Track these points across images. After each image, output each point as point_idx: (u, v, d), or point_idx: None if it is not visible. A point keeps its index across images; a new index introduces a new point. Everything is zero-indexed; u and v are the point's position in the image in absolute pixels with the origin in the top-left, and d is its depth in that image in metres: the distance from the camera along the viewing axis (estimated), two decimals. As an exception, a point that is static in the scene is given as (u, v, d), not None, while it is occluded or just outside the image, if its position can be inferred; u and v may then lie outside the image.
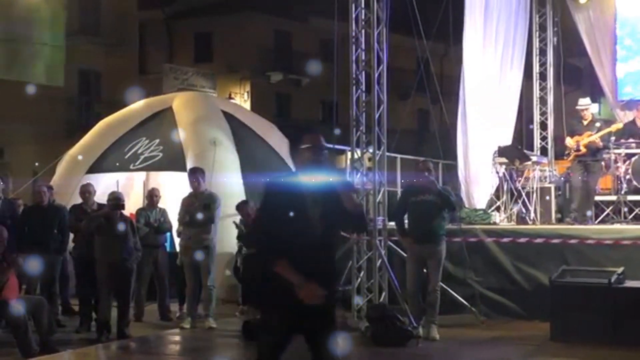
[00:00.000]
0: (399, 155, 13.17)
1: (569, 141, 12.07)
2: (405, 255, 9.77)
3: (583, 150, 11.80)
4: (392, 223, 9.90)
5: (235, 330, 9.65)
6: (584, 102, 12.27)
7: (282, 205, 4.76)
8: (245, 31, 29.52)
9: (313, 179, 4.86)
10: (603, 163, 12.14)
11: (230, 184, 12.84)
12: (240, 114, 15.67)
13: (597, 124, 12.02)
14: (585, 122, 12.05)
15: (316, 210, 4.80)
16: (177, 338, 9.80)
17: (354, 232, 8.52)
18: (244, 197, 12.67)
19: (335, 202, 4.82)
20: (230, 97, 26.36)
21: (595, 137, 11.78)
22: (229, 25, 29.66)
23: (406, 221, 9.41)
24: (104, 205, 10.13)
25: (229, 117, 14.63)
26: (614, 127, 11.97)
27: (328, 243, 4.89)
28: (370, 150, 10.62)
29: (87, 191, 10.60)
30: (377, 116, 10.54)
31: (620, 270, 8.93)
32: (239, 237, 11.40)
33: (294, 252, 4.68)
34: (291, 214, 4.72)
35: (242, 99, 29.22)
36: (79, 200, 10.77)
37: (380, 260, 10.12)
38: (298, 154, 5.04)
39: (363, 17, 10.71)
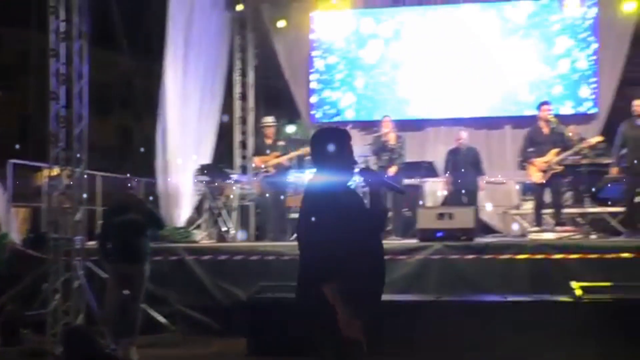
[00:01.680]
0: (99, 173, 12.88)
1: (257, 160, 12.21)
2: (105, 275, 9.55)
3: (271, 170, 11.98)
4: (93, 242, 9.63)
5: None
6: (267, 120, 12.39)
7: (353, 213, 4.21)
8: None
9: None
10: (292, 182, 12.65)
11: None
12: None
13: (281, 143, 12.25)
14: (269, 141, 12.18)
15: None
16: None
17: None
18: None
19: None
20: None
21: (283, 159, 12.04)
22: None
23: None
24: None
25: None
26: (304, 150, 12.20)
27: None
28: (69, 168, 10.28)
29: None
30: (77, 132, 10.24)
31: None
32: None
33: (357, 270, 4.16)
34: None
35: None
36: None
37: (78, 282, 9.82)
38: (344, 156, 4.42)
39: (63, 29, 10.37)
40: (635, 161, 11.09)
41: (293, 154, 12.14)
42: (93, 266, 10.14)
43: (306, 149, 12.33)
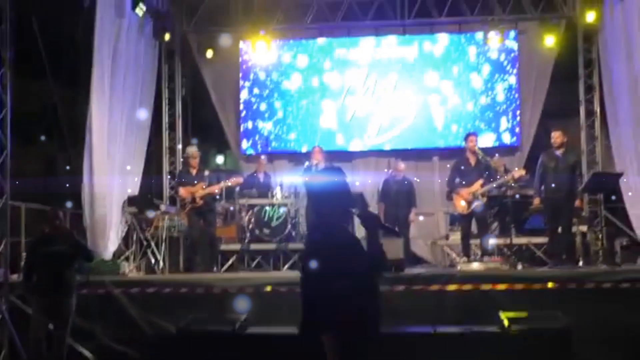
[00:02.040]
0: (23, 204, 12.55)
1: (182, 191, 12.11)
2: (29, 309, 9.31)
3: (199, 201, 11.91)
4: (16, 276, 9.40)
5: None
6: (191, 150, 12.35)
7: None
8: None
9: None
10: (221, 213, 12.54)
11: None
12: None
13: (206, 173, 12.17)
14: (194, 171, 12.14)
15: None
16: None
17: None
18: None
19: None
20: None
21: (211, 189, 11.96)
22: None
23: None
24: None
25: None
26: (233, 181, 12.24)
27: None
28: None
29: None
30: (-1, 162, 10.05)
31: (243, 317, 9.30)
32: None
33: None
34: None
35: None
36: None
37: (0, 316, 9.54)
38: (343, 198, 4.57)
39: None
40: (555, 191, 11.34)
41: (222, 184, 12.10)
42: (16, 300, 9.88)
43: (235, 180, 12.33)
